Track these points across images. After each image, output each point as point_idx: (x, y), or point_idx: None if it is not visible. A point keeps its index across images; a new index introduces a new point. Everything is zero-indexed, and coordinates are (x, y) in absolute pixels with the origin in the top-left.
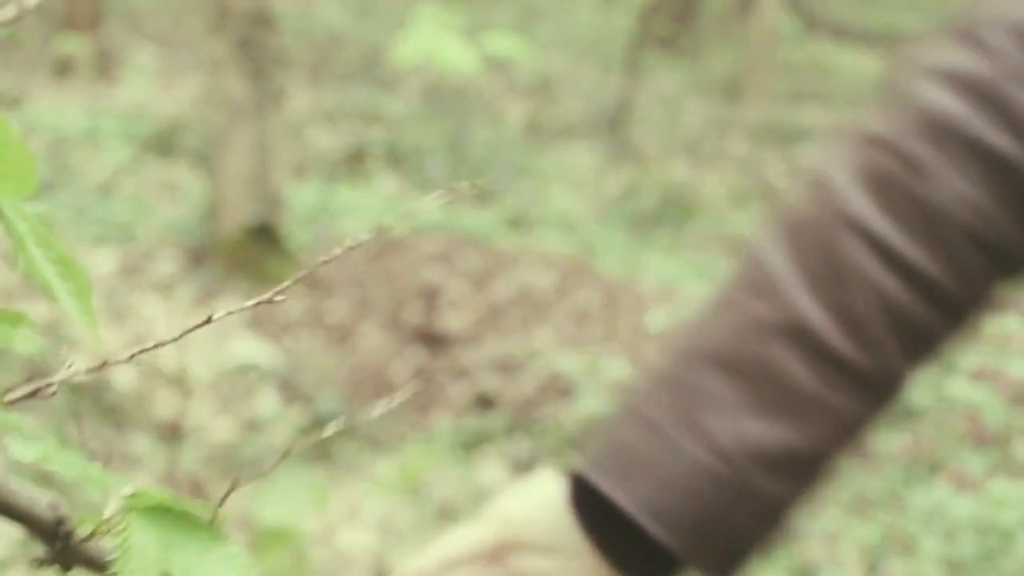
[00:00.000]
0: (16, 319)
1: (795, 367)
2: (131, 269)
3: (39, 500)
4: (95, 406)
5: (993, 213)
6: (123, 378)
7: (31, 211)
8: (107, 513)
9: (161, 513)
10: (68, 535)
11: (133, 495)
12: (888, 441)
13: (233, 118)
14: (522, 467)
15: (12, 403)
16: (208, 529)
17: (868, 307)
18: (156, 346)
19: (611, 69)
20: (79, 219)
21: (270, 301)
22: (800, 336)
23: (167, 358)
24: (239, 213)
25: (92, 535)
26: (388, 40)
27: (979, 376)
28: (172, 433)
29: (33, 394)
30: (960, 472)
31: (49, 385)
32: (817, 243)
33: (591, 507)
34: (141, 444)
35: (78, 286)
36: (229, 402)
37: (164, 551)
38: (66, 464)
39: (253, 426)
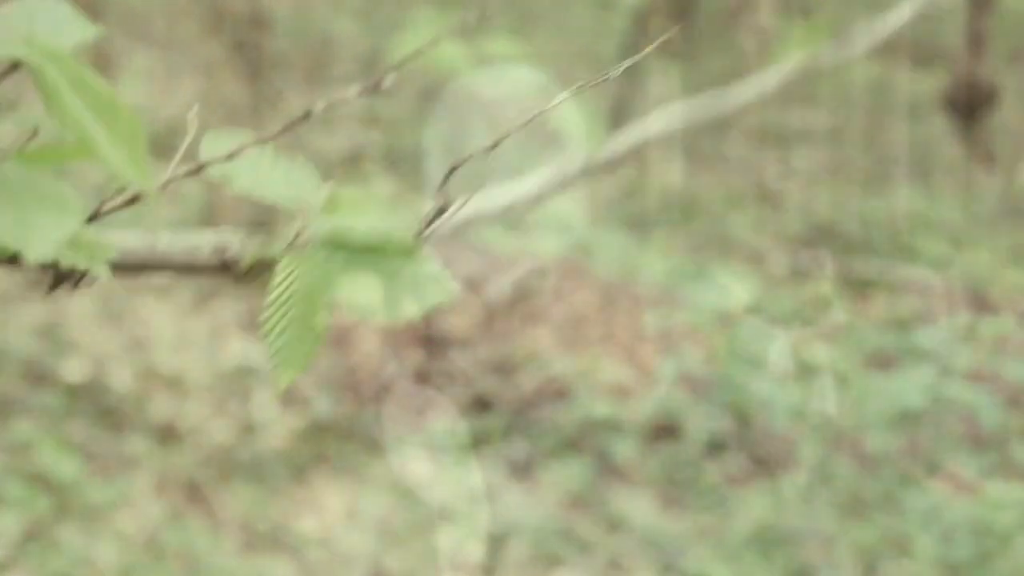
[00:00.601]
0: (57, 155)
1: None
2: None
3: (202, 245)
4: (92, 407)
5: None
6: (120, 380)
7: (65, 52)
8: (286, 243)
9: (344, 240)
10: (237, 272)
11: (318, 215)
12: (885, 442)
13: (230, 121)
14: (520, 469)
15: (105, 214)
16: (400, 250)
17: None
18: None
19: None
20: None
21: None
22: None
23: (165, 360)
24: (236, 215)
25: (260, 265)
26: (385, 43)
27: (975, 378)
28: (169, 435)
29: (132, 202)
30: (957, 474)
31: (137, 198)
32: None
33: None
34: (138, 446)
35: (127, 133)
36: (226, 404)
37: (342, 274)
38: (249, 176)
39: (250, 428)
